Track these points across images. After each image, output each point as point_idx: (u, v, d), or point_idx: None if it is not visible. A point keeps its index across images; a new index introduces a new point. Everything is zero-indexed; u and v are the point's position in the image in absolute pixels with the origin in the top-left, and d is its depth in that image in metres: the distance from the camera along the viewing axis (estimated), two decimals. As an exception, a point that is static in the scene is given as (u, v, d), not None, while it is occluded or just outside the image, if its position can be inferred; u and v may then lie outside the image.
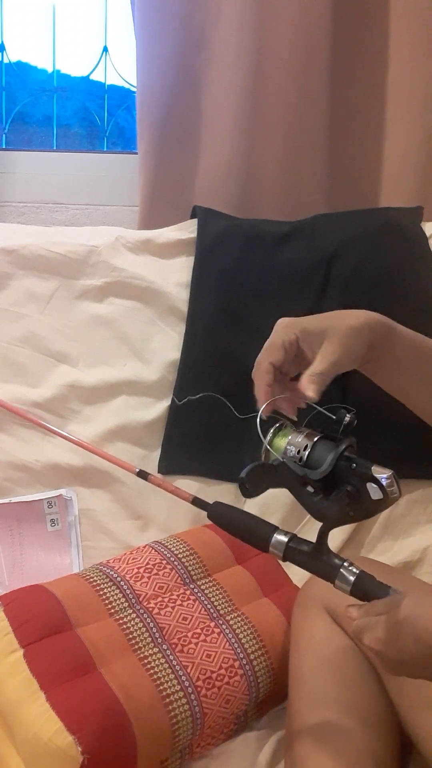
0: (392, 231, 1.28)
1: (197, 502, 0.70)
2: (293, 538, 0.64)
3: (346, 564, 0.61)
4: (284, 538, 0.63)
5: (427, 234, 1.29)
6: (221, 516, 0.68)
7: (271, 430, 0.66)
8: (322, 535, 0.62)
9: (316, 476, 0.62)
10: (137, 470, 0.79)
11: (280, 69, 1.33)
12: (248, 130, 1.36)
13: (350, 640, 0.79)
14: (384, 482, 0.60)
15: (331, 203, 1.41)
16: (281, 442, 0.65)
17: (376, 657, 0.59)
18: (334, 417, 0.64)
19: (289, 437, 0.65)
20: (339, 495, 0.61)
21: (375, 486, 0.60)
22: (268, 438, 0.65)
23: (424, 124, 1.37)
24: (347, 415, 0.64)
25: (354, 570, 0.61)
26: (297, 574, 1.05)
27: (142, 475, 0.79)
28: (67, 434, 0.99)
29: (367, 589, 0.60)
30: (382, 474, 0.60)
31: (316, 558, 0.62)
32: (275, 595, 0.96)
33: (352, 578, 0.60)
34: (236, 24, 1.31)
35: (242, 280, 1.26)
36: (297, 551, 0.63)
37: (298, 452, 0.64)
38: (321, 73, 1.34)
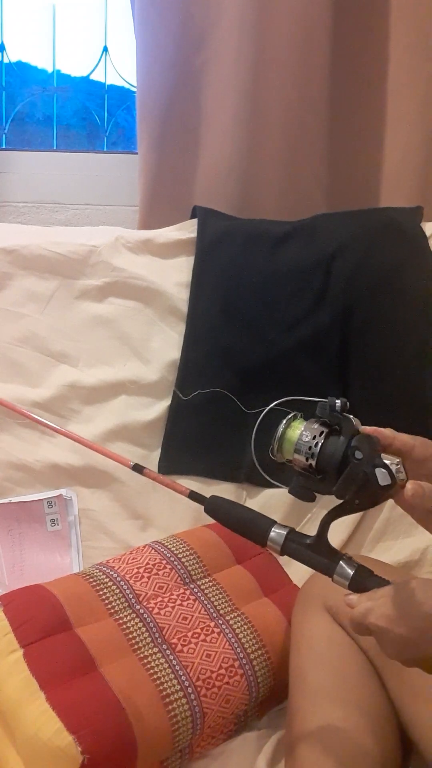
0: (392, 231, 1.28)
1: (194, 495, 0.69)
2: (291, 531, 0.63)
3: (345, 558, 0.61)
4: (282, 532, 0.63)
5: (427, 234, 1.29)
6: (218, 509, 0.67)
7: (283, 422, 0.65)
8: (324, 526, 0.61)
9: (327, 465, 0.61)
10: (132, 464, 0.78)
11: (280, 69, 1.33)
12: (248, 130, 1.36)
13: (350, 638, 0.79)
14: (393, 468, 0.60)
15: (331, 203, 1.41)
16: (293, 433, 0.64)
17: (379, 637, 0.57)
18: (326, 400, 0.63)
19: (302, 428, 0.64)
20: (348, 478, 0.60)
21: (384, 471, 0.59)
22: (281, 430, 0.65)
23: (424, 124, 1.37)
24: (336, 400, 0.63)
25: (353, 564, 0.60)
26: (297, 574, 1.05)
27: (138, 468, 0.78)
28: (64, 430, 0.97)
29: (365, 582, 0.59)
30: (392, 460, 0.61)
31: (315, 551, 0.62)
32: (275, 595, 0.96)
33: (350, 572, 0.60)
34: (236, 24, 1.31)
35: (242, 280, 1.26)
36: (295, 545, 0.62)
37: (310, 445, 0.63)
38: (321, 72, 1.34)
